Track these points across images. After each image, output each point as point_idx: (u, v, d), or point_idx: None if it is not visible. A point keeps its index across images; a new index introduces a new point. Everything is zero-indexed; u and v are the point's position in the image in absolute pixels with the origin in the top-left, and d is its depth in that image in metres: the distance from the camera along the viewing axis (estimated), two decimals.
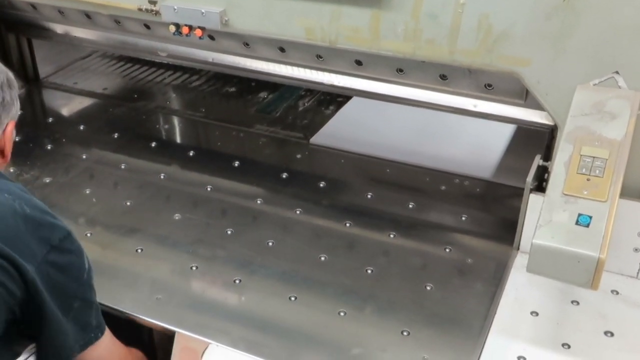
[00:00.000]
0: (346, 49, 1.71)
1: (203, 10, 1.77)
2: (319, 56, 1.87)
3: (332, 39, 1.69)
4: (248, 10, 1.75)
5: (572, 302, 1.49)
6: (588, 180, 1.29)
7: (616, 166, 1.30)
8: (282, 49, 1.91)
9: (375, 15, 1.60)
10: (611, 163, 1.30)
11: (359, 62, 1.83)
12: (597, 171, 1.29)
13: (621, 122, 1.36)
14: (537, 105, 1.59)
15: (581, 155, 1.32)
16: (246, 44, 1.97)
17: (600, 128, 1.37)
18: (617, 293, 1.52)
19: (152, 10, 1.87)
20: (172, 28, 1.86)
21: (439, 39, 1.56)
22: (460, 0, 1.49)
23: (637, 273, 1.56)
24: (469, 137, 2.21)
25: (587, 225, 1.23)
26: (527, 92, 1.64)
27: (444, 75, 1.74)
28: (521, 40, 1.49)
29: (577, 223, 1.24)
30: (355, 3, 1.61)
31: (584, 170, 1.30)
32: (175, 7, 1.81)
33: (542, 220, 1.26)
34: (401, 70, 1.79)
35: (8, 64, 2.57)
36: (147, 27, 2.10)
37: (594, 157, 1.31)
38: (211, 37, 1.98)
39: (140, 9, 1.89)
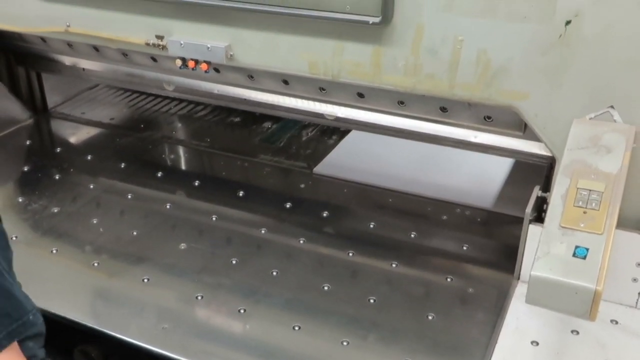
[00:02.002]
0: (348, 82, 1.75)
1: (209, 45, 1.82)
2: (322, 89, 1.92)
3: (334, 73, 1.73)
4: (252, 45, 1.80)
5: (572, 331, 1.51)
6: (585, 213, 1.32)
7: (612, 199, 1.33)
8: (285, 82, 1.96)
9: (377, 51, 1.64)
10: (607, 196, 1.33)
11: (361, 95, 1.87)
12: (594, 204, 1.32)
13: (616, 156, 1.39)
14: (536, 137, 1.63)
15: (578, 188, 1.35)
16: (251, 76, 2.01)
17: (596, 161, 1.40)
18: (617, 323, 1.54)
19: (159, 45, 1.92)
20: (179, 62, 1.90)
21: (439, 74, 1.60)
22: (459, 36, 1.54)
23: (636, 303, 1.58)
24: (470, 167, 2.24)
25: (584, 257, 1.25)
26: (526, 124, 1.68)
27: (444, 108, 1.78)
28: (519, 75, 1.53)
29: (574, 255, 1.26)
30: (357, 39, 1.65)
31: (580, 203, 1.33)
32: (182, 42, 1.86)
33: (540, 252, 1.29)
34: (402, 103, 1.83)
35: (17, 94, 2.65)
36: (154, 59, 2.15)
37: (590, 190, 1.34)
38: (216, 70, 2.03)
39: (147, 44, 1.94)
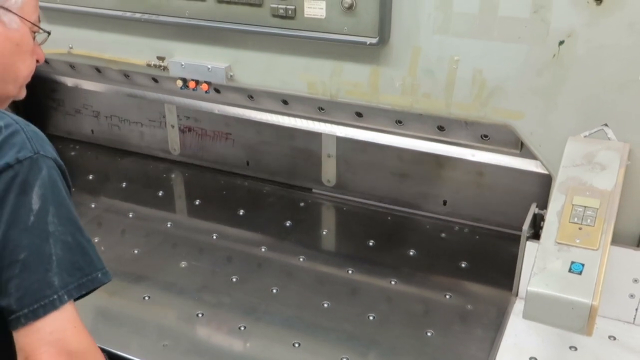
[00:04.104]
0: (347, 102, 1.78)
1: (209, 66, 1.85)
2: (321, 108, 1.94)
3: (333, 93, 1.76)
4: (252, 66, 1.83)
5: (570, 347, 1.52)
6: (580, 229, 1.33)
7: (607, 215, 1.34)
8: (285, 102, 1.98)
9: (374, 71, 1.67)
10: (602, 212, 1.35)
11: (359, 114, 1.89)
12: (589, 220, 1.34)
13: (611, 173, 1.41)
14: (532, 155, 1.65)
15: (573, 204, 1.37)
16: (250, 96, 2.04)
17: (591, 178, 1.42)
18: (614, 339, 1.55)
19: (160, 66, 1.95)
20: (179, 83, 1.93)
21: (435, 94, 1.63)
22: (455, 57, 1.57)
23: (634, 319, 1.59)
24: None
25: (580, 273, 1.27)
26: (522, 142, 1.70)
27: (441, 127, 1.80)
28: (514, 95, 1.56)
29: (570, 270, 1.28)
30: (355, 59, 1.68)
31: (576, 219, 1.35)
32: (183, 63, 1.89)
33: (537, 268, 1.30)
34: (400, 122, 1.85)
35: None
36: (155, 80, 2.18)
37: (585, 207, 1.36)
38: (217, 90, 2.06)
39: (149, 65, 1.97)
